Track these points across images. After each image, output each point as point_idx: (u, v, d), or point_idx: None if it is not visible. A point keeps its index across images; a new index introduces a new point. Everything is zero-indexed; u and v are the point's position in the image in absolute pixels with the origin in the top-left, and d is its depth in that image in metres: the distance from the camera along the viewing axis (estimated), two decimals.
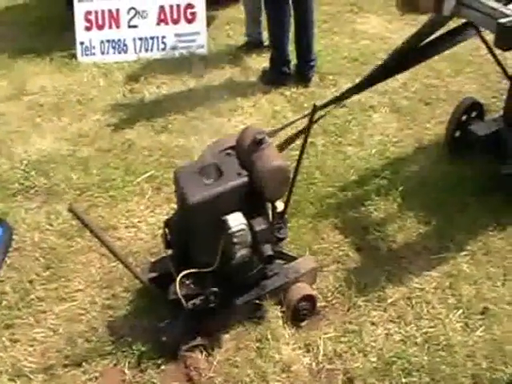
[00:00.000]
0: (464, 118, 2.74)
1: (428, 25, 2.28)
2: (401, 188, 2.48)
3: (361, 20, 4.12)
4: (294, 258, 2.05)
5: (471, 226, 2.34)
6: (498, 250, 2.24)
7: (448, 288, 2.08)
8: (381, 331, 1.92)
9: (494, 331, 1.93)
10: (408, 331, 1.92)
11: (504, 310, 2.01)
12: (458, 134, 2.74)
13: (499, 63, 2.60)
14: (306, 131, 1.98)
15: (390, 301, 2.02)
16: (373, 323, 1.95)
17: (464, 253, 2.22)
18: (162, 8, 3.83)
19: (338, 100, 2.30)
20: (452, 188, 2.51)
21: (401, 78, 3.18)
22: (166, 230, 1.92)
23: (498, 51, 2.39)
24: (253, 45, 3.71)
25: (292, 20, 3.26)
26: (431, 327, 1.94)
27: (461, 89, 3.30)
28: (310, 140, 2.67)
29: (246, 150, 1.85)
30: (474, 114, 2.78)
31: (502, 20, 1.99)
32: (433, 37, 2.28)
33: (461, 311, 1.99)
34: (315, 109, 1.97)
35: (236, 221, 1.77)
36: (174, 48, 3.78)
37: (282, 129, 2.20)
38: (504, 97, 2.69)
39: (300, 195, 2.40)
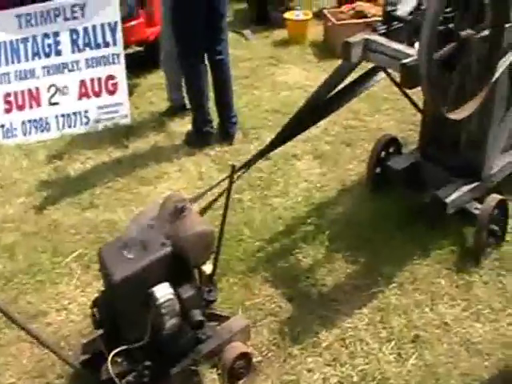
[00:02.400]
0: (383, 154, 3.05)
1: (337, 72, 2.53)
2: (327, 232, 2.72)
3: (280, 71, 4.51)
4: (226, 318, 2.20)
5: (397, 258, 2.58)
6: (425, 277, 2.49)
7: (379, 322, 2.28)
8: (317, 376, 2.07)
9: (426, 357, 2.13)
10: (344, 372, 2.09)
11: (434, 333, 2.23)
12: (378, 170, 3.03)
13: (410, 99, 2.93)
14: (227, 193, 2.17)
15: (324, 345, 2.19)
16: (309, 370, 2.10)
17: (392, 285, 2.45)
18: (82, 82, 4.04)
19: (257, 157, 2.52)
20: (377, 224, 2.76)
21: (321, 123, 3.49)
22: (95, 310, 2.04)
23: None
24: (176, 109, 3.98)
25: (209, 79, 3.56)
26: (366, 364, 2.11)
27: (379, 126, 3.67)
28: (236, 196, 2.94)
29: (168, 219, 2.02)
30: (392, 150, 3.10)
31: (405, 60, 2.20)
32: (345, 83, 2.53)
33: (393, 343, 2.19)
34: (234, 170, 2.19)
35: (163, 292, 1.90)
36: (97, 121, 3.98)
37: (203, 194, 2.40)
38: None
39: (229, 253, 2.59)
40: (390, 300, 2.37)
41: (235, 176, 2.20)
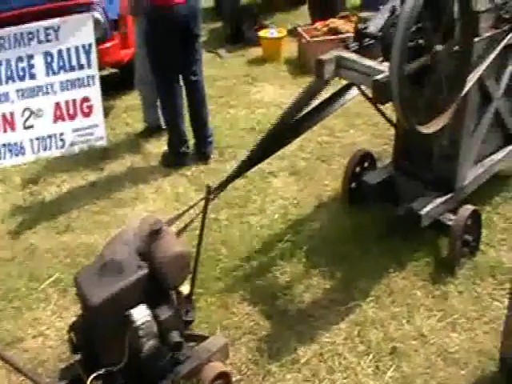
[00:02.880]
0: (358, 169, 3.13)
1: (309, 89, 2.57)
2: (304, 248, 2.79)
3: (255, 90, 4.61)
4: (205, 338, 2.23)
5: (374, 271, 2.65)
6: (401, 290, 2.56)
7: (357, 336, 2.34)
8: None
9: (404, 368, 2.20)
10: None
11: (411, 345, 2.29)
12: (353, 185, 3.11)
13: (383, 114, 3.02)
14: (203, 214, 2.22)
15: (302, 361, 2.24)
16: None
17: (369, 298, 2.51)
18: (57, 105, 4.08)
19: (232, 177, 2.54)
20: (353, 238, 2.84)
21: (297, 140, 3.57)
22: (72, 334, 2.06)
23: None
24: (151, 130, 4.03)
25: (185, 100, 3.63)
26: (345, 378, 2.17)
27: (354, 141, 3.77)
28: (213, 216, 2.99)
29: (145, 241, 2.07)
30: (366, 164, 3.19)
31: (378, 77, 2.30)
32: (320, 100, 2.59)
33: (371, 356, 2.25)
34: (209, 191, 2.24)
35: (140, 314, 1.94)
36: (72, 144, 4.02)
37: (180, 216, 2.43)
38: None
39: (207, 273, 2.63)
40: (367, 313, 2.43)
41: (211, 197, 2.26)
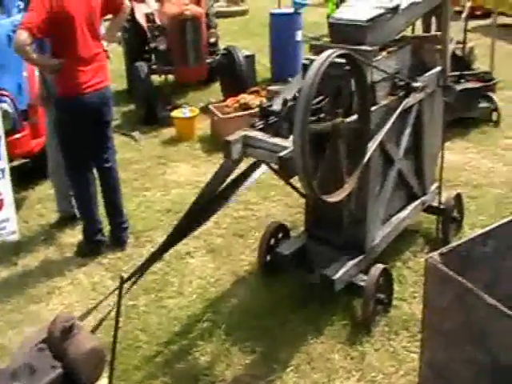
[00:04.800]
0: (272, 241, 3.35)
1: (221, 168, 2.72)
2: (224, 326, 2.92)
3: (170, 170, 4.84)
4: None
5: (293, 341, 2.81)
6: (320, 355, 2.73)
7: None
8: None
9: None
10: None
11: None
12: (269, 258, 3.32)
13: (292, 186, 3.23)
14: (116, 305, 2.29)
15: None
16: None
17: (289, 368, 2.65)
18: None
19: (146, 265, 2.61)
20: (271, 310, 3.01)
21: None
22: None
23: None
24: (66, 219, 4.09)
25: (97, 186, 3.74)
26: None
27: (268, 213, 4.03)
28: (130, 303, 3.08)
29: (57, 340, 2.12)
30: (280, 235, 3.42)
31: (282, 153, 2.47)
32: (229, 179, 2.72)
33: None
34: (122, 281, 2.33)
35: None
36: None
37: (92, 310, 2.50)
38: None
39: (126, 363, 2.69)
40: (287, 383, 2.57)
41: (127, 286, 2.36)
